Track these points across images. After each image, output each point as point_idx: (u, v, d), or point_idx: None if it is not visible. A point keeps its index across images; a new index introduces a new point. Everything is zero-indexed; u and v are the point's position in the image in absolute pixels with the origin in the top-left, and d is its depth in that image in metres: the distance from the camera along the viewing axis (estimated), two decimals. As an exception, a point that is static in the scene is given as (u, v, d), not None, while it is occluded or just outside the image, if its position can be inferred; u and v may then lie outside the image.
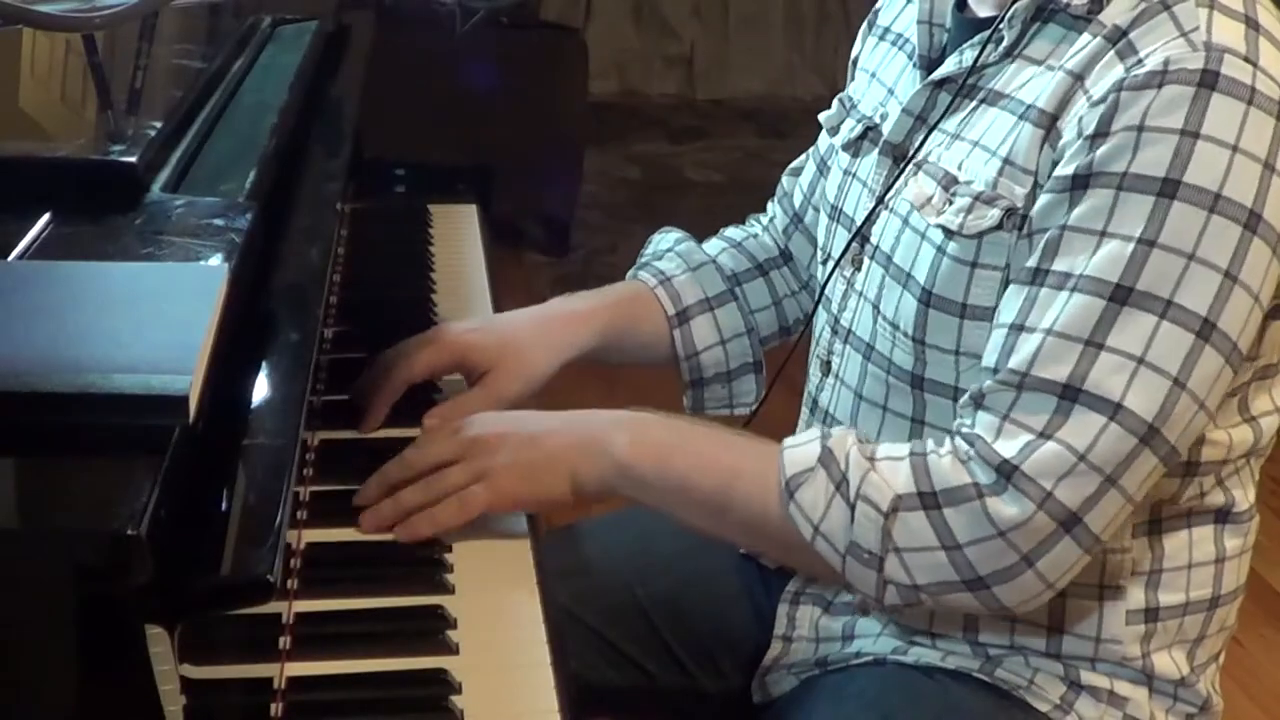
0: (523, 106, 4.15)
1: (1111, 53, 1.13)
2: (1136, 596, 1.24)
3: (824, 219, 1.44)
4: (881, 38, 1.43)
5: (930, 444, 1.15)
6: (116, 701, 0.78)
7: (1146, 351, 1.08)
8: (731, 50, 6.34)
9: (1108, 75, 1.12)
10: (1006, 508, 1.10)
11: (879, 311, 1.29)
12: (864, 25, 1.49)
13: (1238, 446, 1.22)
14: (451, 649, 1.10)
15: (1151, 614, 1.24)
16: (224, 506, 0.90)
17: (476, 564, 1.21)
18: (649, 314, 1.50)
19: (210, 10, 1.63)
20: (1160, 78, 1.09)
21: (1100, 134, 1.11)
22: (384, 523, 1.21)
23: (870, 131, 1.36)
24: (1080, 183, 1.12)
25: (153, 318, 0.86)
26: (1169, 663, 1.26)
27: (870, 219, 1.30)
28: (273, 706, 1.01)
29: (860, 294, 1.31)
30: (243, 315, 0.99)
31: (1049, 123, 1.16)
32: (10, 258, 0.93)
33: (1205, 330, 1.09)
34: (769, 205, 1.62)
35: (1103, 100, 1.11)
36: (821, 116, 1.51)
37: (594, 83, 4.97)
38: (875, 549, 1.13)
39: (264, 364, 1.05)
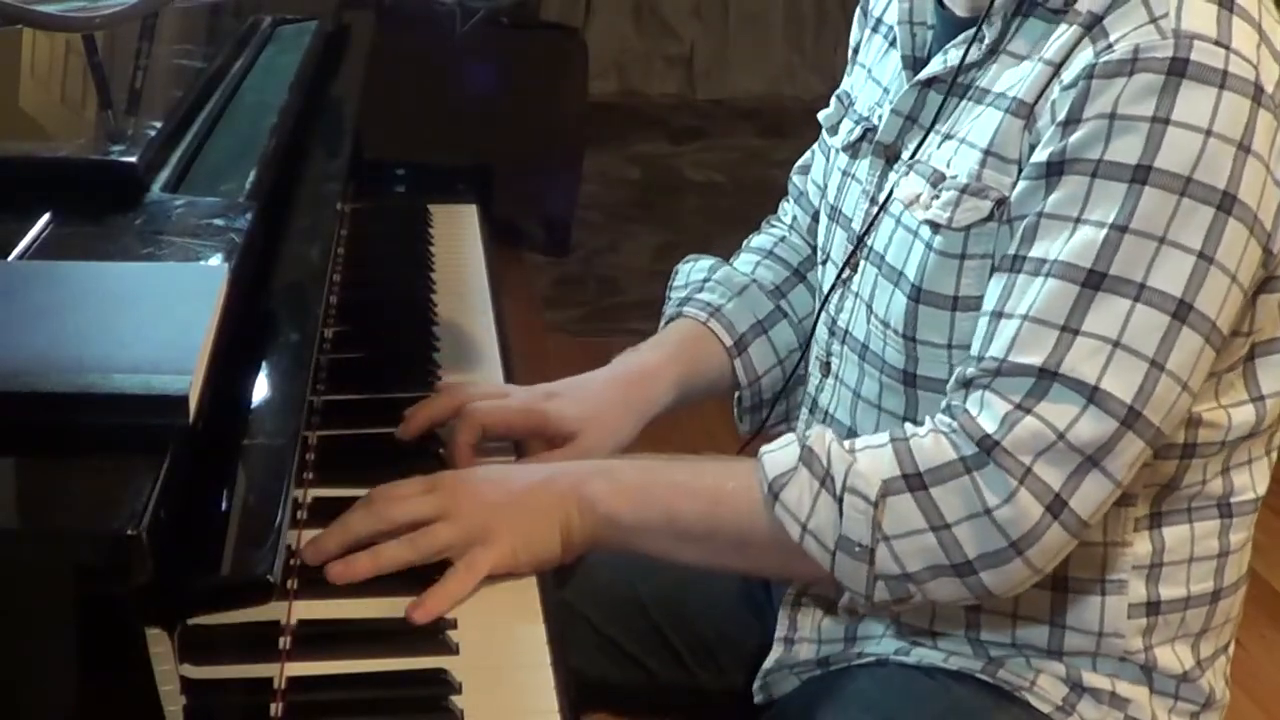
0: (523, 106, 4.15)
1: (1085, 38, 1.14)
2: (1138, 590, 1.24)
3: (823, 219, 1.44)
4: (875, 29, 1.43)
5: (910, 428, 1.16)
6: (116, 701, 0.78)
7: (1122, 334, 1.09)
8: (731, 50, 6.33)
9: (1079, 59, 1.13)
10: (988, 483, 1.10)
11: (871, 311, 1.29)
12: (858, 11, 1.47)
13: (1237, 428, 1.21)
14: (451, 649, 1.10)
15: (1153, 607, 1.24)
16: (224, 506, 0.90)
17: (476, 564, 1.21)
18: (710, 351, 1.48)
19: (210, 10, 1.63)
20: (1130, 65, 1.10)
21: (1073, 120, 1.12)
22: (358, 574, 1.14)
23: (868, 133, 1.36)
24: (1055, 169, 1.12)
25: (153, 318, 0.86)
26: (1172, 657, 1.26)
27: (868, 223, 1.30)
28: (273, 706, 1.01)
29: (856, 294, 1.32)
30: (243, 315, 0.99)
31: (1027, 111, 1.17)
32: (10, 258, 0.93)
33: (1181, 311, 1.09)
34: (783, 205, 1.60)
35: (1073, 85, 1.12)
36: (821, 115, 1.50)
37: (594, 83, 4.97)
38: (865, 541, 1.12)
39: (264, 364, 1.05)
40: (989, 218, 1.18)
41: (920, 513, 1.12)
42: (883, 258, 1.28)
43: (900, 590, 1.14)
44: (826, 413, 1.38)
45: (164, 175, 1.10)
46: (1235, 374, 1.21)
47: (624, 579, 1.51)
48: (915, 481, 1.12)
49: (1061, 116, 1.12)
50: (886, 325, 1.26)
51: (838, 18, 6.26)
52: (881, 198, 1.29)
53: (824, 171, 1.47)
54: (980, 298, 1.19)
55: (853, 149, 1.38)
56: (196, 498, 0.86)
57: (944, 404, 1.17)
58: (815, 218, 1.53)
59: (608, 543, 1.22)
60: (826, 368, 1.38)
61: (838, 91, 1.47)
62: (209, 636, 0.91)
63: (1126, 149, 1.09)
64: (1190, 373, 1.11)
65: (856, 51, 1.47)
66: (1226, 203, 1.09)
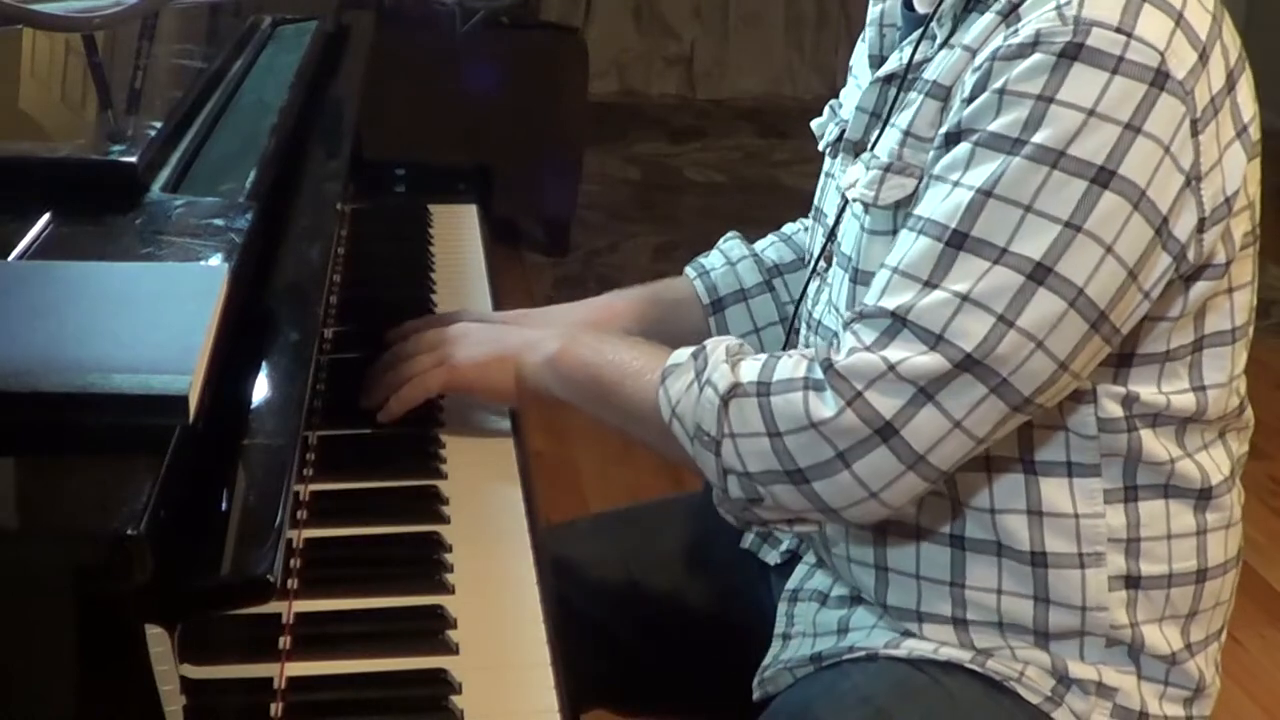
0: (523, 106, 4.15)
1: (1001, 25, 1.18)
2: (1117, 562, 1.25)
3: (811, 220, 1.47)
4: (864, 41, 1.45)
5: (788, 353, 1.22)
6: (116, 701, 0.78)
7: (972, 290, 1.12)
8: (731, 50, 6.34)
9: (991, 44, 1.17)
10: (821, 402, 1.15)
11: (832, 301, 1.33)
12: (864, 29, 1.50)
13: (1177, 410, 1.24)
14: (451, 649, 1.11)
15: (1133, 581, 1.26)
16: (224, 506, 0.90)
17: (476, 564, 1.21)
18: (688, 307, 1.57)
19: (210, 10, 1.63)
20: (1031, 49, 1.13)
21: (974, 98, 1.16)
22: (375, 402, 1.38)
23: (843, 133, 1.38)
24: (952, 140, 1.17)
25: (153, 318, 0.86)
26: (1159, 637, 1.27)
27: (835, 216, 1.35)
28: (273, 706, 1.01)
29: (828, 286, 1.35)
30: (243, 315, 0.99)
31: (944, 93, 1.22)
32: (10, 258, 0.93)
33: (1038, 273, 1.12)
34: None
35: (979, 68, 1.17)
36: (814, 124, 1.53)
37: (594, 83, 4.97)
38: (713, 432, 1.19)
39: (264, 364, 1.05)
40: (914, 195, 1.22)
41: (760, 416, 1.17)
42: (841, 248, 1.32)
43: (750, 490, 1.19)
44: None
45: (164, 175, 1.10)
46: (1181, 363, 1.23)
47: (624, 578, 1.51)
48: (762, 389, 1.18)
49: (966, 95, 1.17)
50: (838, 310, 1.30)
51: (838, 18, 6.28)
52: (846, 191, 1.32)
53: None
54: None
55: (832, 149, 1.42)
56: (196, 498, 0.86)
57: None
58: None
59: (552, 389, 1.35)
60: None
61: (831, 102, 1.50)
62: (209, 636, 0.91)
63: (1009, 123, 1.13)
64: (1048, 333, 1.13)
65: (852, 67, 1.49)
66: (1103, 177, 1.12)
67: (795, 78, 6.37)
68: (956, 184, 1.14)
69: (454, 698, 1.05)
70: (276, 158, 1.26)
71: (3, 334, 0.81)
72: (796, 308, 1.43)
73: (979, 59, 1.17)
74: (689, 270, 1.59)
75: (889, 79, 1.31)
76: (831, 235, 1.35)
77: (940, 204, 1.15)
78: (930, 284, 1.14)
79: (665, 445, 1.26)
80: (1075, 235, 1.12)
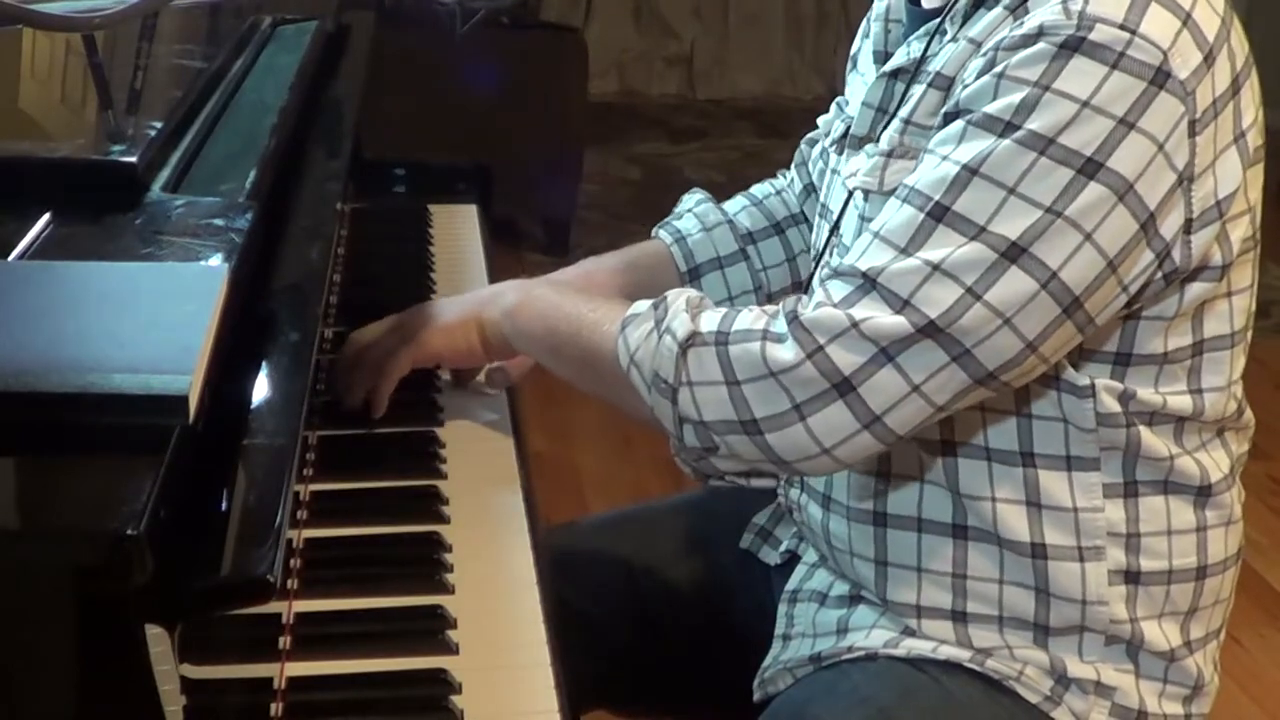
0: (523, 106, 4.15)
1: (1009, 18, 1.20)
2: (1116, 557, 1.25)
3: (816, 217, 1.47)
4: (868, 37, 1.45)
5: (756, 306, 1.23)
6: (116, 701, 0.78)
7: (944, 261, 1.13)
8: (731, 50, 6.34)
9: (996, 36, 1.18)
10: (782, 352, 1.15)
11: None
12: (864, 22, 1.50)
13: (1174, 409, 1.24)
14: (451, 649, 1.11)
15: (1133, 576, 1.26)
16: (224, 506, 0.90)
17: (476, 564, 1.21)
18: (665, 273, 1.58)
19: (210, 10, 1.63)
20: (1033, 40, 1.14)
21: (974, 82, 1.17)
22: (355, 400, 1.39)
23: (849, 129, 1.39)
24: (950, 118, 1.18)
25: (153, 318, 0.86)
26: (1159, 633, 1.27)
27: (839, 211, 1.35)
28: (273, 706, 1.01)
29: None
30: (243, 315, 0.99)
31: (947, 83, 1.23)
32: (10, 258, 0.93)
33: (1012, 252, 1.12)
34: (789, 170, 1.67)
35: (984, 55, 1.18)
36: (820, 120, 1.53)
37: (594, 83, 4.97)
38: (670, 380, 1.19)
39: (264, 364, 1.05)
40: None
41: (718, 365, 1.18)
42: (841, 240, 1.32)
43: (705, 439, 1.19)
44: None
45: (164, 175, 1.10)
46: (1180, 366, 1.23)
47: (624, 578, 1.51)
48: (721, 338, 1.19)
49: (969, 80, 1.18)
50: None
51: (838, 18, 6.29)
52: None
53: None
54: None
55: (837, 145, 1.42)
56: (196, 498, 0.86)
57: None
58: (807, 189, 1.61)
59: (512, 342, 1.38)
60: None
61: (838, 99, 1.50)
62: (209, 636, 0.91)
63: (1003, 106, 1.14)
64: (1016, 311, 1.13)
65: (856, 62, 1.49)
66: (1090, 168, 1.12)
67: (795, 78, 6.37)
68: (945, 158, 1.15)
69: (454, 698, 1.05)
70: (276, 158, 1.26)
71: (3, 334, 0.81)
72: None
73: (984, 48, 1.18)
74: (664, 235, 1.60)
75: (895, 74, 1.32)
76: (835, 228, 1.35)
77: (927, 175, 1.16)
78: (905, 251, 1.14)
79: (621, 395, 1.26)
80: (1055, 220, 1.12)
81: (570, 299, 1.35)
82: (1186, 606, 1.28)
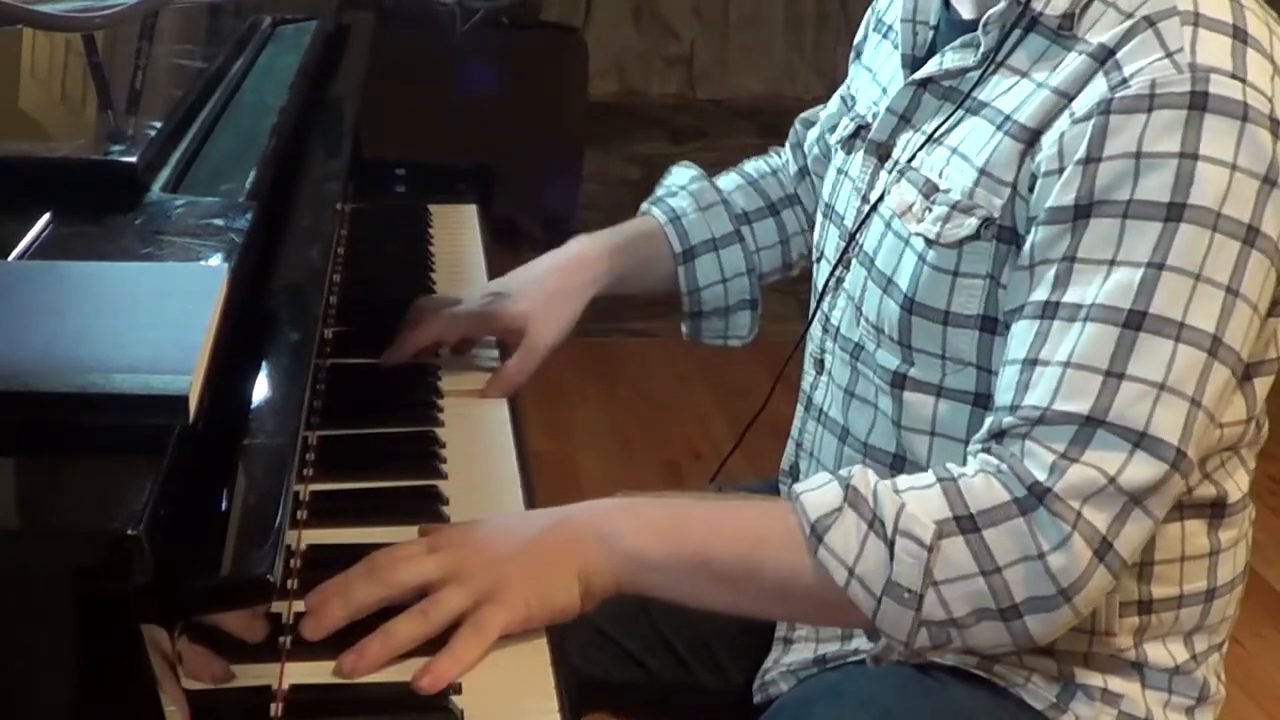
0: (523, 106, 4.15)
1: (1099, 72, 1.14)
2: (1129, 589, 1.24)
3: (819, 216, 1.46)
4: (883, 34, 1.44)
5: (954, 469, 1.13)
6: (116, 701, 0.78)
7: (1167, 376, 1.08)
8: (731, 50, 6.34)
9: (1091, 92, 1.13)
10: (1044, 529, 1.09)
11: (861, 313, 1.30)
12: (868, 12, 1.49)
13: (1227, 439, 1.22)
14: (451, 649, 1.10)
15: (1145, 606, 1.25)
16: (224, 506, 0.90)
17: (476, 564, 1.21)
18: (659, 252, 1.57)
19: (210, 10, 1.63)
20: (1149, 101, 1.10)
21: (1093, 159, 1.11)
22: (377, 664, 1.04)
23: (862, 130, 1.37)
24: (1083, 212, 1.11)
25: (153, 318, 0.86)
26: (1163, 652, 1.27)
27: (859, 221, 1.32)
28: (273, 707, 1.01)
29: (847, 293, 1.33)
30: (243, 315, 0.99)
31: (1030, 138, 1.16)
32: (10, 258, 0.93)
33: (1214, 347, 1.09)
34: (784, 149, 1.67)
35: (1087, 118, 1.12)
36: (823, 114, 1.52)
37: (594, 83, 4.97)
38: (916, 586, 1.09)
39: (264, 364, 1.05)
40: (975, 236, 1.18)
41: (972, 556, 1.09)
42: (872, 261, 1.29)
43: (941, 636, 1.11)
44: (820, 410, 1.39)
45: (164, 175, 1.10)
46: (1236, 393, 1.20)
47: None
48: (968, 523, 1.09)
49: (1080, 154, 1.11)
50: (880, 330, 1.27)
51: (838, 18, 6.28)
52: (873, 197, 1.30)
53: (824, 145, 1.49)
54: (971, 316, 1.20)
55: (846, 145, 1.39)
56: (196, 498, 0.86)
57: (973, 450, 1.15)
58: (801, 172, 1.60)
59: (632, 585, 1.13)
60: (820, 364, 1.39)
61: (841, 93, 1.49)
62: (209, 637, 0.91)
63: (1156, 186, 1.09)
64: (1218, 405, 1.12)
65: (860, 54, 1.48)
66: (1251, 236, 1.10)
67: (795, 78, 6.36)
68: (1114, 262, 1.09)
69: (454, 698, 1.05)
70: (276, 158, 1.26)
71: (3, 334, 0.81)
72: (815, 308, 1.41)
73: (1080, 108, 1.12)
74: (658, 214, 1.58)
75: (925, 83, 1.28)
76: (851, 238, 1.32)
77: (1102, 286, 1.10)
78: (1115, 373, 1.09)
79: (818, 613, 1.20)
80: (1235, 301, 1.10)
81: (700, 511, 1.17)
82: (1192, 626, 1.28)
